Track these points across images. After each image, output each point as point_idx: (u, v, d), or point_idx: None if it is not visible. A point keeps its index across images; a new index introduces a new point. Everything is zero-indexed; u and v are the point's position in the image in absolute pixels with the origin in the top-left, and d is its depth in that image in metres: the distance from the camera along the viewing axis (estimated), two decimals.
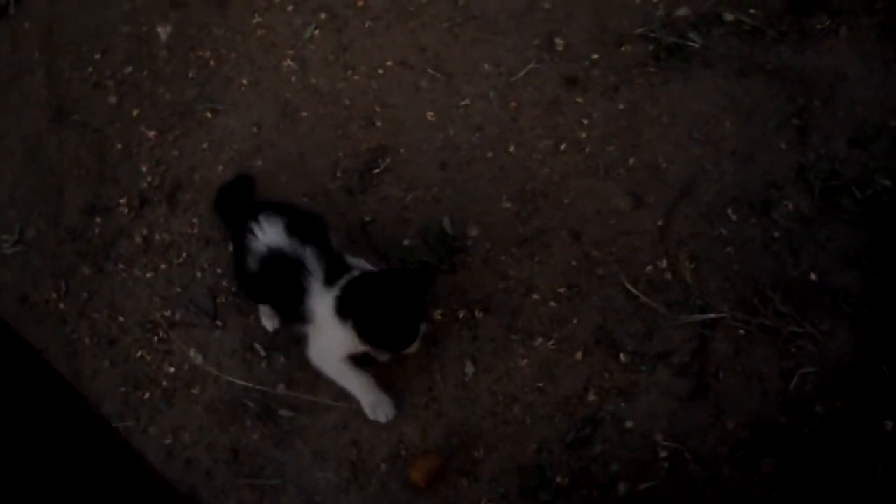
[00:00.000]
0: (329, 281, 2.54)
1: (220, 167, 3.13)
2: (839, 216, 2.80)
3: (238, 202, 2.88)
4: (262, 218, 2.61)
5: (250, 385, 2.82)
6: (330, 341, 2.59)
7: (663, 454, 2.57)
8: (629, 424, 2.61)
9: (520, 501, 2.57)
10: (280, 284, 2.60)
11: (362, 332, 2.47)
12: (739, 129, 2.95)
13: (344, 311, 2.48)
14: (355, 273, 2.55)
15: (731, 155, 2.91)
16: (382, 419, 2.67)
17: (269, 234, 2.58)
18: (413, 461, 2.63)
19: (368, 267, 2.68)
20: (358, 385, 2.66)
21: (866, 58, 3.04)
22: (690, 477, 2.53)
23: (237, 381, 2.83)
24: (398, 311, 2.47)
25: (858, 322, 2.64)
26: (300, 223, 2.64)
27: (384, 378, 2.72)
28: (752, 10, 3.09)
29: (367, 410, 2.67)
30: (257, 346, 2.86)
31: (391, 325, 2.48)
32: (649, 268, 2.78)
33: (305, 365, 2.76)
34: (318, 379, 2.74)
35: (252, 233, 2.60)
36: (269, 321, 2.86)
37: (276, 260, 2.57)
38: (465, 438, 2.64)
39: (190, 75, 3.33)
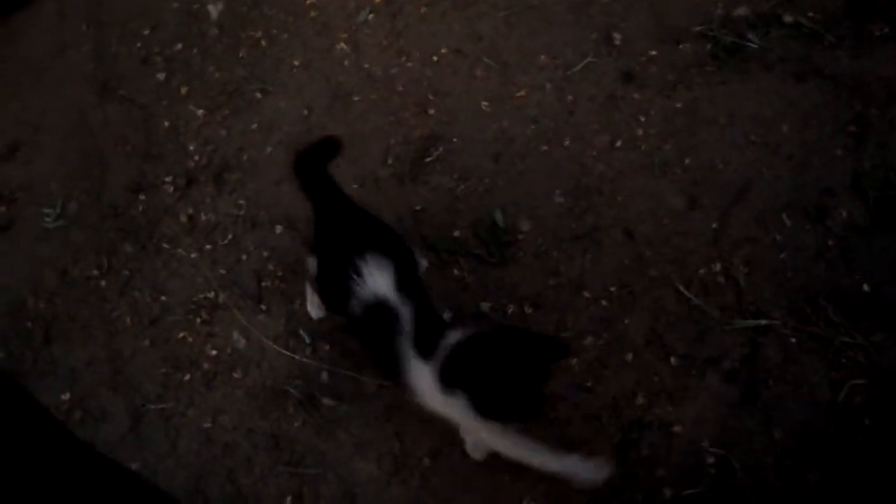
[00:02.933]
0: (424, 352, 2.25)
1: (269, 149, 3.11)
2: (894, 227, 2.75)
3: (321, 168, 2.58)
4: (370, 259, 2.33)
5: (294, 371, 2.78)
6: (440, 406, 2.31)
7: (710, 460, 2.53)
8: (677, 429, 2.57)
9: (564, 495, 2.53)
10: (378, 340, 2.36)
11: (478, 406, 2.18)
12: (796, 134, 2.91)
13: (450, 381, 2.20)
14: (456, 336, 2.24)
15: (787, 159, 2.87)
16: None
17: (376, 282, 2.31)
18: None
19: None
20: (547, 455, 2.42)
21: None
22: (736, 485, 2.50)
23: (280, 367, 2.79)
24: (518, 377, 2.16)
25: None
26: (404, 269, 2.36)
27: None
28: (810, 14, 3.05)
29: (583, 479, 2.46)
30: (302, 333, 2.83)
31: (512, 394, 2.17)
32: (702, 270, 2.74)
33: (350, 353, 2.75)
34: (362, 369, 2.72)
35: (359, 274, 2.31)
36: (315, 309, 2.80)
37: (378, 313, 2.31)
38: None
39: (240, 55, 3.31)
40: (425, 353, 2.23)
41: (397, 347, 2.26)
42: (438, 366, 2.19)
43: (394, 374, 2.32)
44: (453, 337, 2.21)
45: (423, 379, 2.24)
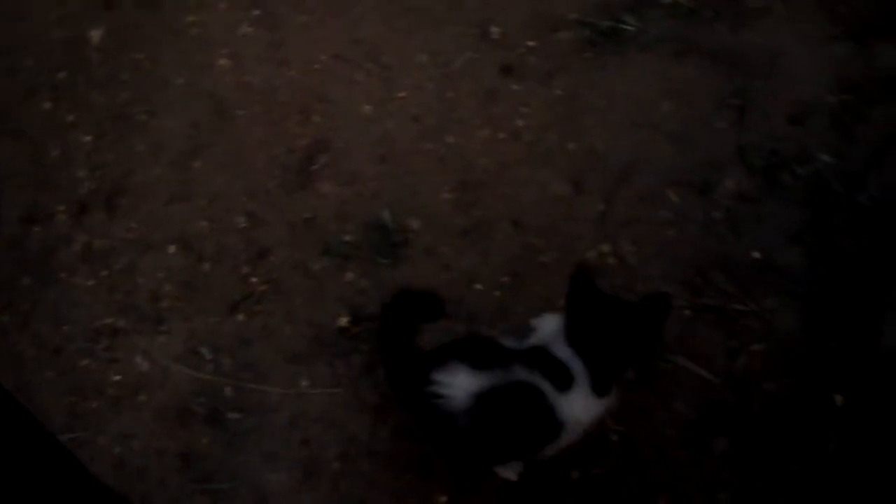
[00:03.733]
0: (562, 385, 2.18)
1: (158, 169, 3.10)
2: (780, 194, 2.82)
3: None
4: (444, 370, 2.18)
5: (198, 389, 2.78)
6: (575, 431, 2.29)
7: (614, 438, 2.57)
8: None
9: (474, 488, 2.56)
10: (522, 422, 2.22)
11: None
12: (678, 111, 2.97)
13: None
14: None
15: (670, 137, 2.93)
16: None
17: (462, 382, 2.16)
18: None
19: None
20: None
21: (802, 34, 3.08)
22: (642, 459, 2.54)
23: (184, 386, 2.79)
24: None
25: (803, 298, 2.66)
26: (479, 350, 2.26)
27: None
28: None
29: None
30: (202, 350, 2.82)
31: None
32: (592, 253, 2.78)
33: (251, 365, 2.75)
34: (266, 379, 2.73)
35: (440, 392, 2.16)
36: (510, 470, 2.57)
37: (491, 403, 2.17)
38: (415, 434, 2.62)
39: (124, 78, 3.29)
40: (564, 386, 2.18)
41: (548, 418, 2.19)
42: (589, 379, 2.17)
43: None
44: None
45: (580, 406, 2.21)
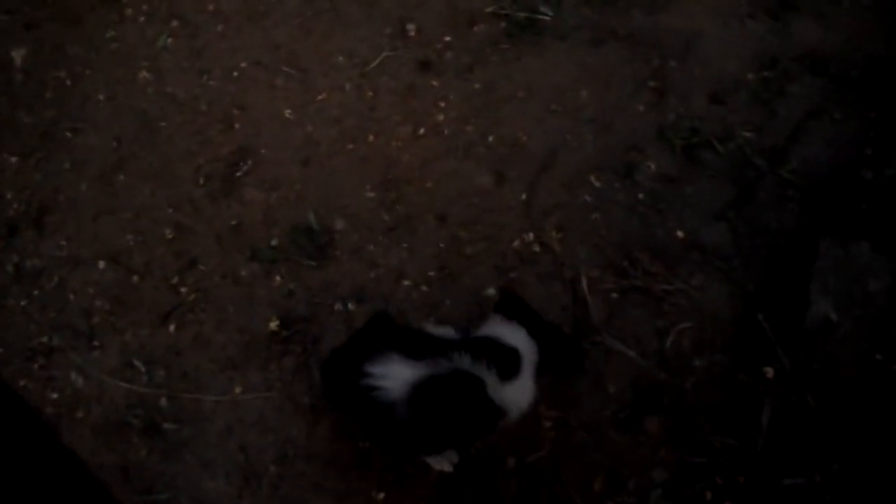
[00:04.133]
0: (507, 373, 2.26)
1: (84, 185, 3.10)
2: (703, 172, 2.86)
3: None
4: (378, 363, 2.21)
5: (133, 401, 2.78)
6: (514, 414, 2.34)
7: (547, 424, 2.59)
8: None
9: (412, 483, 2.58)
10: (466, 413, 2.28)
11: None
12: (596, 98, 3.00)
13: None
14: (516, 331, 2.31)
15: (589, 123, 2.96)
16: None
17: (398, 371, 2.20)
18: None
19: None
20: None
21: (719, 13, 3.12)
22: (577, 443, 2.56)
23: (120, 399, 2.79)
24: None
25: (729, 274, 2.70)
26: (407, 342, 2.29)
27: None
28: None
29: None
30: (136, 363, 2.82)
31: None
32: (516, 242, 2.81)
33: (185, 374, 2.76)
34: (200, 387, 2.74)
35: (375, 385, 2.19)
36: (445, 462, 2.59)
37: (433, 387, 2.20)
38: (353, 431, 2.64)
39: (48, 96, 3.28)
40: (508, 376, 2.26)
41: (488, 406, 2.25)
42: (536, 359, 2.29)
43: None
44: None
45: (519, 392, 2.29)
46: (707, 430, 2.52)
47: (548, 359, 2.31)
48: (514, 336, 2.29)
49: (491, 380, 2.21)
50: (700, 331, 2.66)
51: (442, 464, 2.55)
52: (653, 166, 2.88)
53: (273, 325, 2.76)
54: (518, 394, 2.27)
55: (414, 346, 2.24)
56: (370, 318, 2.49)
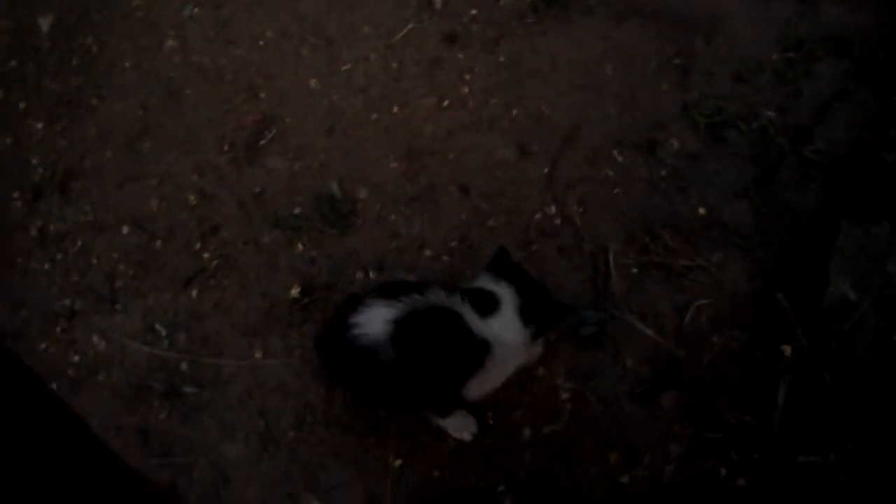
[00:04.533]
0: (485, 310, 2.28)
1: (109, 152, 3.12)
2: (726, 150, 2.85)
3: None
4: (358, 312, 2.25)
5: (155, 365, 2.81)
6: (506, 363, 2.38)
7: (565, 396, 2.59)
8: (527, 369, 2.62)
9: (428, 450, 2.59)
10: (450, 346, 2.26)
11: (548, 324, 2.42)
12: (621, 73, 3.00)
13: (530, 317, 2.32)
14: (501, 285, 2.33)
15: (613, 99, 2.95)
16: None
17: (378, 314, 2.22)
18: None
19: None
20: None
21: None
22: (593, 416, 2.56)
23: (141, 363, 2.81)
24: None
25: (749, 252, 2.69)
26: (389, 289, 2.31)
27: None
28: None
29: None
30: (158, 327, 2.85)
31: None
32: (538, 215, 2.81)
33: (206, 339, 2.78)
34: (221, 352, 2.76)
35: (359, 332, 2.22)
36: (465, 431, 2.59)
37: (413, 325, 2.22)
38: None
39: (74, 63, 3.31)
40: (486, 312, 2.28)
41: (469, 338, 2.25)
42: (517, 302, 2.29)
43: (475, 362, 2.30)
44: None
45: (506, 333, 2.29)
46: (723, 407, 2.51)
47: (532, 314, 2.31)
48: (497, 286, 2.31)
49: (468, 313, 2.24)
50: (719, 307, 2.65)
51: (461, 433, 2.56)
52: (676, 143, 2.87)
53: (294, 292, 2.77)
54: (502, 328, 2.28)
55: (392, 290, 2.26)
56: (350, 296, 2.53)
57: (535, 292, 2.36)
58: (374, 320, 2.20)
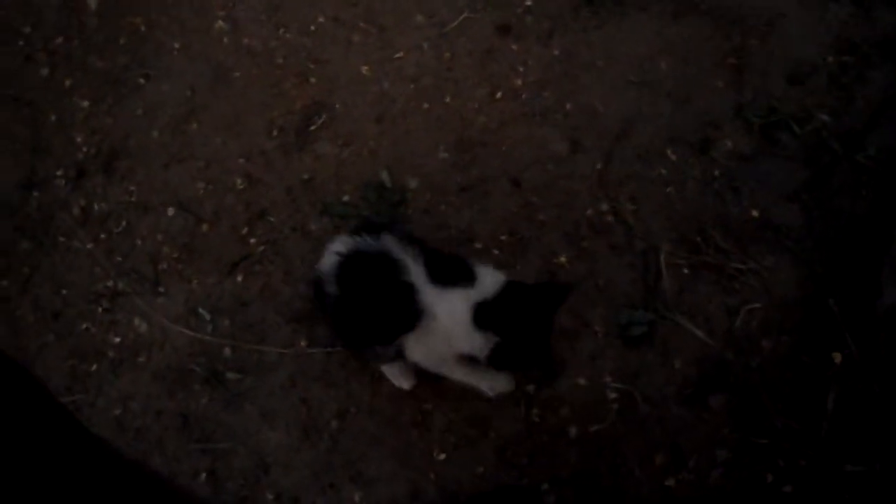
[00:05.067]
0: (446, 281, 2.21)
1: (156, 133, 3.10)
2: (778, 152, 2.81)
3: None
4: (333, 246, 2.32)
5: (197, 349, 2.79)
6: (449, 342, 2.27)
7: (612, 395, 2.57)
8: (576, 367, 2.60)
9: (472, 445, 2.57)
10: (383, 293, 2.25)
11: (500, 352, 2.21)
12: (675, 71, 2.96)
13: (487, 322, 2.17)
14: (498, 279, 2.24)
15: (667, 96, 2.92)
16: (505, 389, 2.53)
17: (332, 246, 2.31)
18: None
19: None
20: (472, 374, 2.45)
21: None
22: (640, 417, 2.54)
23: (183, 347, 2.80)
24: (540, 333, 2.25)
25: (801, 256, 2.66)
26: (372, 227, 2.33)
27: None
28: None
29: (488, 390, 2.50)
30: (201, 311, 2.83)
31: (532, 349, 2.25)
32: (589, 211, 2.78)
33: (250, 325, 2.76)
34: (264, 339, 2.73)
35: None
36: (403, 379, 2.62)
37: (355, 263, 2.26)
38: (415, 392, 2.63)
39: (121, 42, 3.28)
40: (448, 283, 2.20)
41: (407, 285, 2.20)
42: (478, 302, 2.17)
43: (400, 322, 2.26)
44: (489, 279, 2.22)
45: (449, 308, 2.20)
46: (771, 412, 2.49)
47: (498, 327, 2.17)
48: (482, 277, 2.23)
49: (416, 273, 2.20)
50: (769, 311, 2.62)
51: (399, 379, 2.58)
52: (729, 143, 2.84)
53: None
54: (446, 307, 2.20)
55: (369, 229, 2.30)
56: None
57: (526, 325, 2.21)
58: (330, 252, 2.28)
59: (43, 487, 1.28)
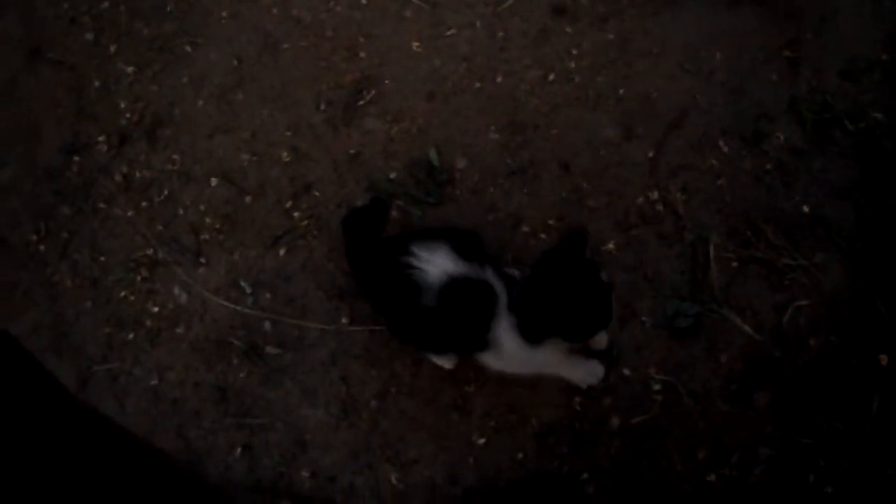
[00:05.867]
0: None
1: (201, 102, 3.07)
2: (831, 149, 2.77)
3: (370, 231, 2.53)
4: (417, 248, 2.29)
5: (237, 322, 2.76)
6: (521, 362, 2.34)
7: (656, 387, 2.54)
8: (620, 357, 2.57)
9: (512, 430, 2.54)
10: (469, 315, 2.27)
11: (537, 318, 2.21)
12: (730, 61, 2.91)
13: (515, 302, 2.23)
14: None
15: (721, 86, 2.87)
16: (595, 381, 2.54)
17: (440, 262, 2.26)
18: None
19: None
20: (560, 365, 2.47)
21: None
22: (684, 410, 2.51)
23: (223, 319, 2.77)
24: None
25: (851, 255, 2.62)
26: (462, 244, 2.32)
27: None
28: None
29: (579, 382, 2.53)
30: (242, 283, 2.81)
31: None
32: (640, 199, 2.74)
33: (292, 300, 2.74)
34: (306, 315, 2.71)
35: (414, 267, 2.26)
36: (446, 358, 2.61)
37: (460, 288, 2.25)
38: (456, 374, 2.60)
39: (168, 9, 3.26)
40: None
41: (489, 310, 2.23)
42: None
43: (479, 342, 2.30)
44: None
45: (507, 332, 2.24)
46: (816, 412, 2.45)
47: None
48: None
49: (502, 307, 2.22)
50: (817, 309, 2.58)
51: (441, 359, 2.58)
52: (782, 137, 2.79)
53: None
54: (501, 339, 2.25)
55: (464, 246, 2.29)
56: None
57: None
58: (436, 266, 2.25)
59: (43, 469, 1.26)
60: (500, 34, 3.00)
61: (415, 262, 2.24)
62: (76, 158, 3.10)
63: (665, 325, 2.59)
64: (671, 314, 2.59)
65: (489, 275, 2.24)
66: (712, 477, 2.44)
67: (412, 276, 2.24)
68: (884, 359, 2.47)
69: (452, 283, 2.23)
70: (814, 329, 2.56)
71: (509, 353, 2.25)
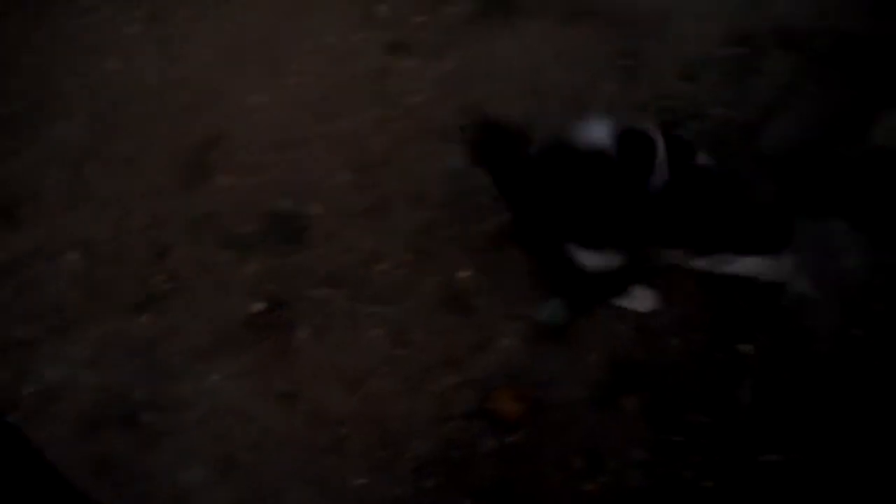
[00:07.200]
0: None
1: (55, 177, 3.08)
2: None
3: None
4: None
5: (109, 394, 2.75)
6: None
7: (523, 405, 2.56)
8: (486, 379, 2.60)
9: (385, 472, 2.56)
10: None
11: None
12: (569, 76, 2.98)
13: None
14: None
15: (562, 102, 2.93)
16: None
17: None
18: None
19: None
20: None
21: None
22: (553, 422, 2.53)
23: (95, 392, 2.76)
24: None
25: None
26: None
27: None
28: None
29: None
30: (111, 353, 2.79)
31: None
32: (494, 223, 2.78)
33: (161, 364, 2.75)
34: (176, 377, 2.72)
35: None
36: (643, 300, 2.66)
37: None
38: (330, 415, 2.62)
39: (13, 88, 3.26)
40: None
41: None
42: None
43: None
44: None
45: None
46: (684, 409, 2.50)
47: None
48: None
49: None
50: (677, 309, 2.63)
51: (636, 303, 2.63)
52: None
53: (249, 311, 2.73)
54: None
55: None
56: None
57: None
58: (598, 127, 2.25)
59: None
60: (341, 78, 3.05)
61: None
62: None
63: (530, 339, 2.63)
64: (532, 332, 2.63)
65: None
66: (589, 485, 2.46)
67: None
68: (746, 348, 2.53)
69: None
70: (674, 329, 2.61)
71: None
